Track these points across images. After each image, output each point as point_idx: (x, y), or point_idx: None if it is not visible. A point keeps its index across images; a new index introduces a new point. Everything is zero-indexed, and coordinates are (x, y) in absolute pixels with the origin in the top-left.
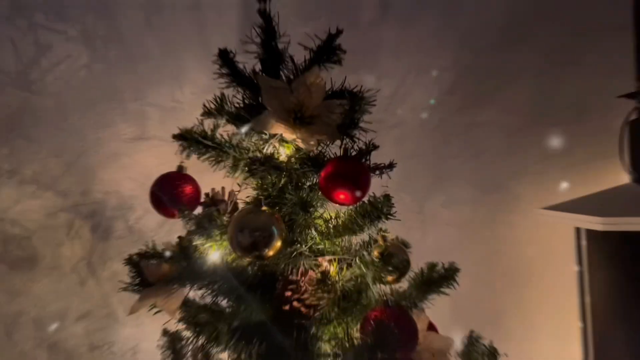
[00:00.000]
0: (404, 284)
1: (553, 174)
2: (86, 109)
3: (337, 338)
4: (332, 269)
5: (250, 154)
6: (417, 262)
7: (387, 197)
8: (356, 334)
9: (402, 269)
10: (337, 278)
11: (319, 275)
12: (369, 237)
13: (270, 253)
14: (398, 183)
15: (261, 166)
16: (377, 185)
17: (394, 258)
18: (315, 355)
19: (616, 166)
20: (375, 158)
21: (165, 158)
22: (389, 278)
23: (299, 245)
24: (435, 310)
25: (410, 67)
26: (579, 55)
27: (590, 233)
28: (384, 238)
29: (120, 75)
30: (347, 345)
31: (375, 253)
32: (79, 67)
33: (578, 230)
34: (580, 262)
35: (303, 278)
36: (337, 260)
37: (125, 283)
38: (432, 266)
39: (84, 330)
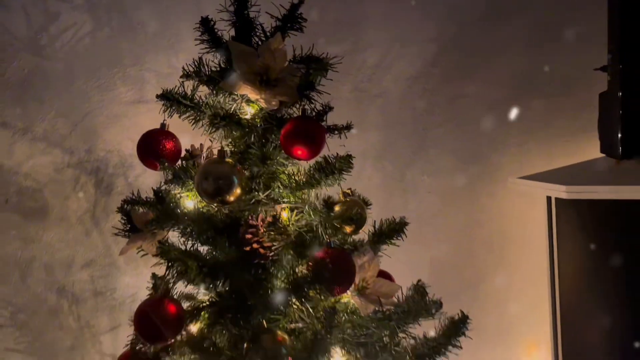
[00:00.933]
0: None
1: (535, 146)
2: (90, 73)
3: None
4: (285, 215)
5: (217, 112)
6: None
7: (348, 157)
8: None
9: (356, 221)
10: (288, 222)
11: (270, 218)
12: (339, 194)
13: (231, 199)
14: (381, 151)
15: (222, 121)
16: (357, 151)
17: (338, 206)
18: (270, 290)
19: (597, 139)
20: (359, 126)
21: (161, 120)
22: (347, 229)
23: (257, 193)
24: (414, 273)
25: (395, 38)
26: (564, 29)
27: (560, 202)
28: (345, 194)
29: (121, 43)
30: (292, 279)
31: (337, 208)
32: (83, 34)
33: (549, 199)
34: (550, 231)
35: (261, 223)
36: (290, 208)
37: (118, 229)
38: (389, 222)
39: (89, 276)
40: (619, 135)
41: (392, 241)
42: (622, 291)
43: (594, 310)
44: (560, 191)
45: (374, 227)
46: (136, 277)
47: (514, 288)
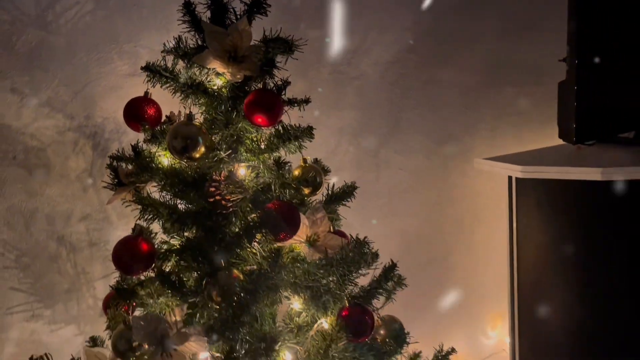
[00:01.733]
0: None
1: (506, 131)
2: (91, 48)
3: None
4: (242, 172)
5: (186, 81)
6: (370, 201)
7: (309, 128)
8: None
9: (312, 183)
10: (244, 178)
11: (227, 173)
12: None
13: (197, 156)
14: (357, 129)
15: (189, 89)
16: (335, 128)
17: (297, 170)
18: (229, 235)
19: None
20: (337, 105)
21: (153, 92)
22: (305, 190)
23: (219, 152)
24: (385, 245)
25: (373, 25)
26: (538, 21)
27: (519, 182)
28: (305, 160)
29: (118, 21)
30: (245, 225)
31: (296, 171)
32: (85, 12)
33: (510, 179)
34: (510, 209)
35: (223, 178)
36: (247, 166)
37: (107, 183)
38: (341, 187)
39: (85, 228)
40: (574, 123)
41: (344, 203)
42: (574, 266)
43: (549, 284)
44: (517, 171)
45: (327, 190)
46: (127, 231)
47: (481, 263)
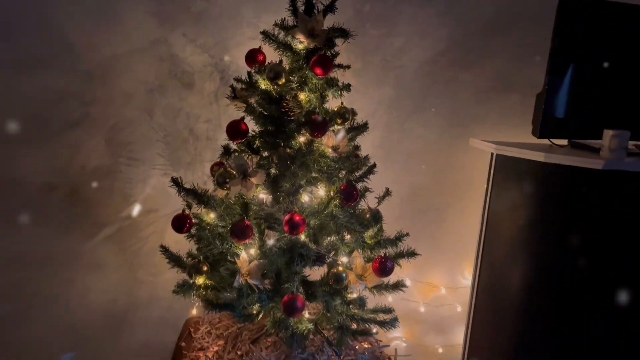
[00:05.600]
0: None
1: (508, 126)
2: (231, 17)
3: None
4: (302, 96)
5: (282, 42)
6: (395, 156)
7: (348, 85)
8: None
9: (343, 116)
10: (303, 101)
11: (293, 97)
12: (341, 103)
13: (280, 83)
14: (391, 102)
15: (284, 47)
16: (376, 98)
17: (336, 107)
18: (290, 130)
19: None
20: (380, 83)
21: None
22: (338, 120)
23: (292, 83)
24: (399, 190)
25: (417, 32)
26: (544, 50)
27: (498, 158)
28: (342, 103)
29: (251, 3)
30: (299, 124)
31: (335, 108)
32: None
33: (492, 155)
34: (489, 178)
35: (291, 98)
36: (305, 96)
37: (228, 95)
38: (359, 123)
39: (206, 127)
40: (539, 124)
41: (361, 133)
42: (524, 229)
43: (506, 241)
44: (492, 148)
45: (350, 123)
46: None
47: (467, 218)
